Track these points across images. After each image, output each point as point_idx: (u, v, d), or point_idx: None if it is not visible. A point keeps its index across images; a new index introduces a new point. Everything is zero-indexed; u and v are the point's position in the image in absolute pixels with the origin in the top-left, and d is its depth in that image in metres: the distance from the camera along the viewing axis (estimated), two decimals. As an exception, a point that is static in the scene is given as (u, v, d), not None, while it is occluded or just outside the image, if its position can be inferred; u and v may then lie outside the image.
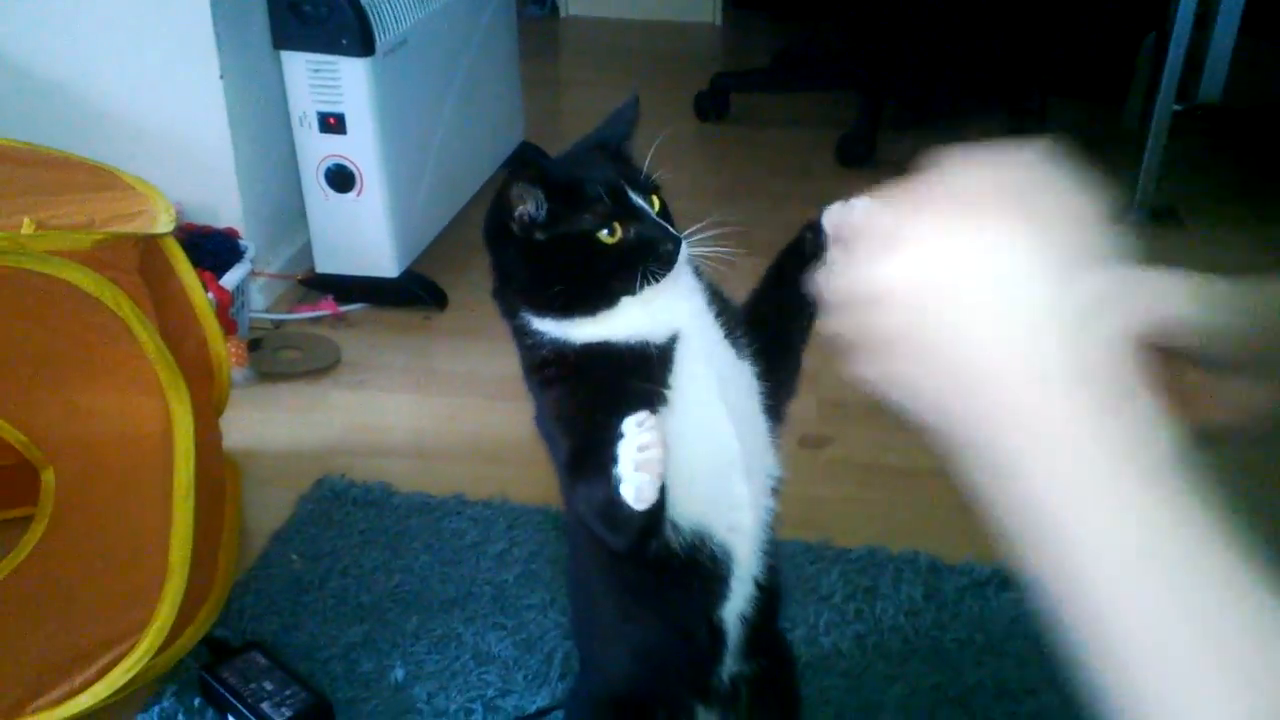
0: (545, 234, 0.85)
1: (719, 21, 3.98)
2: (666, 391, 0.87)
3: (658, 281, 0.85)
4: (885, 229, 0.55)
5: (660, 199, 0.89)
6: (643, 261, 0.85)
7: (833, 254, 0.80)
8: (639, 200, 0.86)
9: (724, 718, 1.02)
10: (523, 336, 0.90)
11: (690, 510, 0.90)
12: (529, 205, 0.84)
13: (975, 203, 0.54)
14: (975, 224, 0.53)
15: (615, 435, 0.81)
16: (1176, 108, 2.36)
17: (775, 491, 0.95)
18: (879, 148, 2.76)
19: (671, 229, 0.86)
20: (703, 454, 0.90)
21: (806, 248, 0.89)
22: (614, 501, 0.81)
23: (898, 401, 0.56)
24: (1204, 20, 2.35)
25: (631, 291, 0.85)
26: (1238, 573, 0.46)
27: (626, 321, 0.86)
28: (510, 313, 0.90)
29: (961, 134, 2.74)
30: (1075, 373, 0.50)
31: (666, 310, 0.88)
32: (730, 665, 1.00)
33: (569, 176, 0.86)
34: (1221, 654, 0.45)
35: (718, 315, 0.92)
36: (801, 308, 0.91)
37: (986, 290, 0.52)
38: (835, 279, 0.57)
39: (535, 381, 0.91)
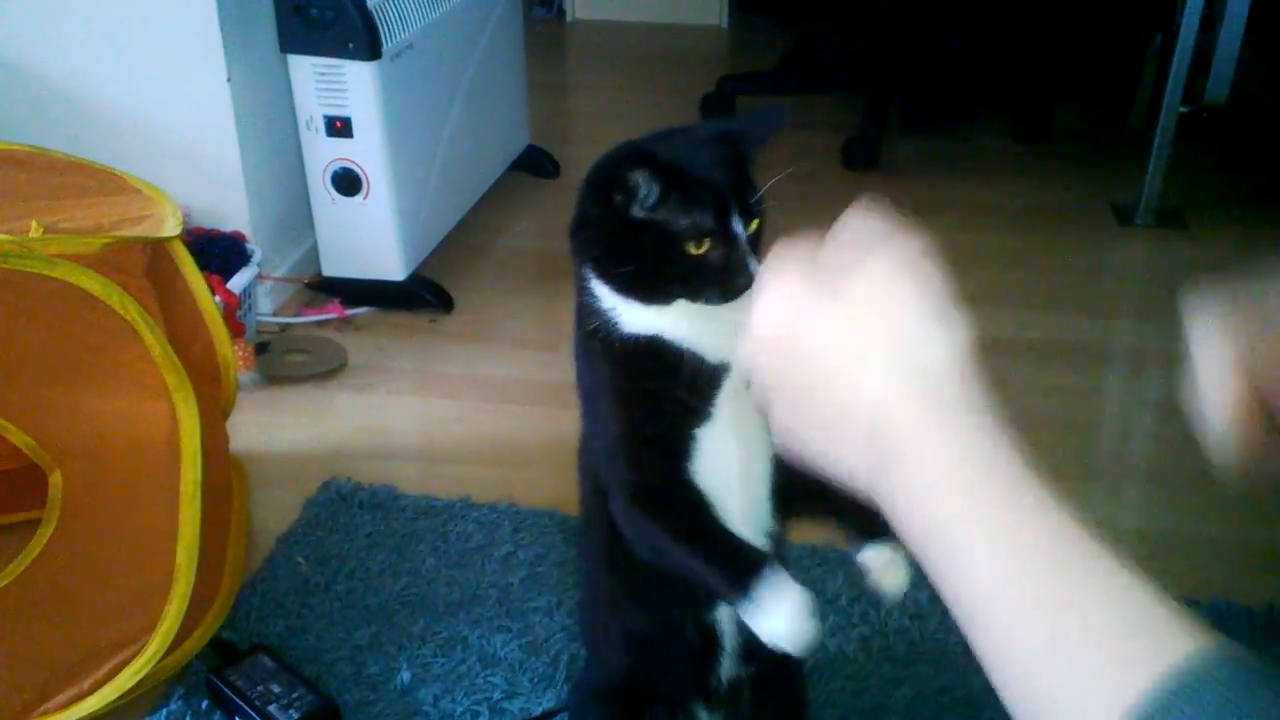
0: (641, 214, 0.85)
1: (725, 24, 3.98)
2: (709, 412, 0.88)
3: (715, 305, 0.85)
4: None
5: (761, 223, 0.88)
6: (712, 283, 0.85)
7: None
8: (738, 226, 0.85)
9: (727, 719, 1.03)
10: (581, 291, 0.90)
11: None
12: (642, 187, 0.84)
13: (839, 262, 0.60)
14: (832, 292, 0.59)
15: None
16: (1183, 110, 2.36)
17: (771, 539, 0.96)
18: (884, 151, 2.76)
19: (753, 265, 0.85)
20: (723, 468, 0.90)
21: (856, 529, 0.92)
22: (684, 563, 0.87)
23: (788, 449, 0.61)
24: (1210, 22, 2.35)
25: (692, 300, 0.85)
26: (1106, 560, 0.49)
27: (678, 325, 0.87)
28: (578, 258, 0.90)
29: (967, 138, 2.74)
30: (931, 393, 0.55)
31: (723, 333, 0.86)
32: (729, 668, 1.00)
33: (689, 173, 0.85)
34: (1102, 646, 0.47)
35: None
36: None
37: (844, 333, 0.58)
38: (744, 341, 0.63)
39: (585, 346, 0.91)
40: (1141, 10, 2.86)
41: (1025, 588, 0.50)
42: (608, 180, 0.86)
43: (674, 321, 0.87)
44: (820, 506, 0.93)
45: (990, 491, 0.52)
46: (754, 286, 0.83)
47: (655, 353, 0.87)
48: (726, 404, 0.88)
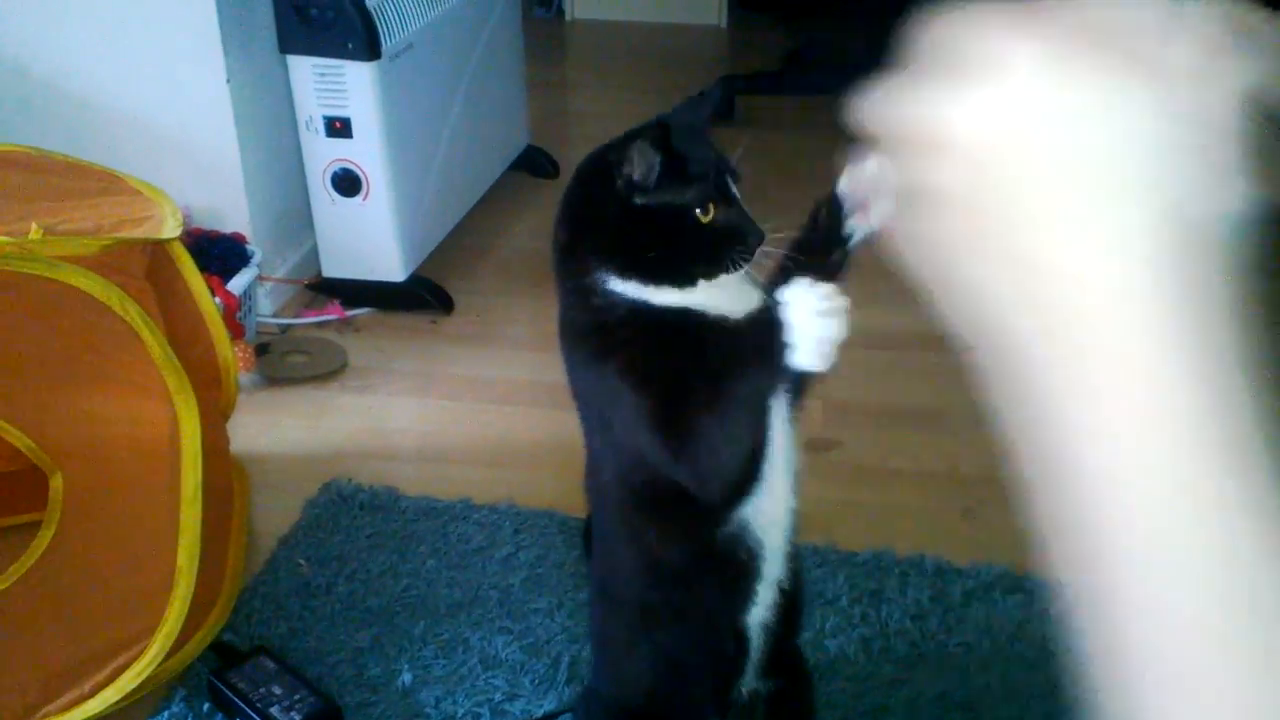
0: (645, 199, 0.85)
1: (724, 24, 3.98)
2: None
3: (737, 269, 0.86)
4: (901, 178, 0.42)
5: (739, 189, 0.90)
6: (729, 247, 0.86)
7: (852, 224, 0.84)
8: (734, 188, 0.88)
9: None
10: (589, 296, 0.88)
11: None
12: (642, 167, 0.85)
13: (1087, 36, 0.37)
14: (1084, 60, 0.37)
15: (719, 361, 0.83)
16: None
17: (794, 489, 0.96)
18: (885, 150, 2.76)
19: (755, 223, 0.87)
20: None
21: (820, 223, 0.89)
22: (753, 401, 0.83)
23: (930, 289, 0.44)
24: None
25: (711, 275, 0.86)
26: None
27: (705, 296, 0.87)
28: (579, 272, 0.88)
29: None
30: (1162, 289, 0.37)
31: (738, 294, 0.88)
32: (750, 680, 1.00)
33: (681, 147, 0.86)
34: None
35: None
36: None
37: (1078, 149, 0.37)
38: (892, 111, 0.42)
39: (599, 345, 0.89)
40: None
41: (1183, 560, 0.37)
42: (606, 171, 0.86)
43: (699, 295, 0.88)
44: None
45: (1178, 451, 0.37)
46: (761, 243, 0.85)
47: (691, 323, 0.87)
48: None
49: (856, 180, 0.81)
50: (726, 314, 0.87)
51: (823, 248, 0.89)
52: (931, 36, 0.42)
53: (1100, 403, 0.38)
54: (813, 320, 0.79)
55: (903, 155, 0.42)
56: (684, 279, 0.86)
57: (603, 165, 0.87)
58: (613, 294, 0.87)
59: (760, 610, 0.96)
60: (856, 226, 0.87)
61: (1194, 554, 0.37)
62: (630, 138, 0.85)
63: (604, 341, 0.89)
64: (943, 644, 1.33)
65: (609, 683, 1.10)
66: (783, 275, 0.89)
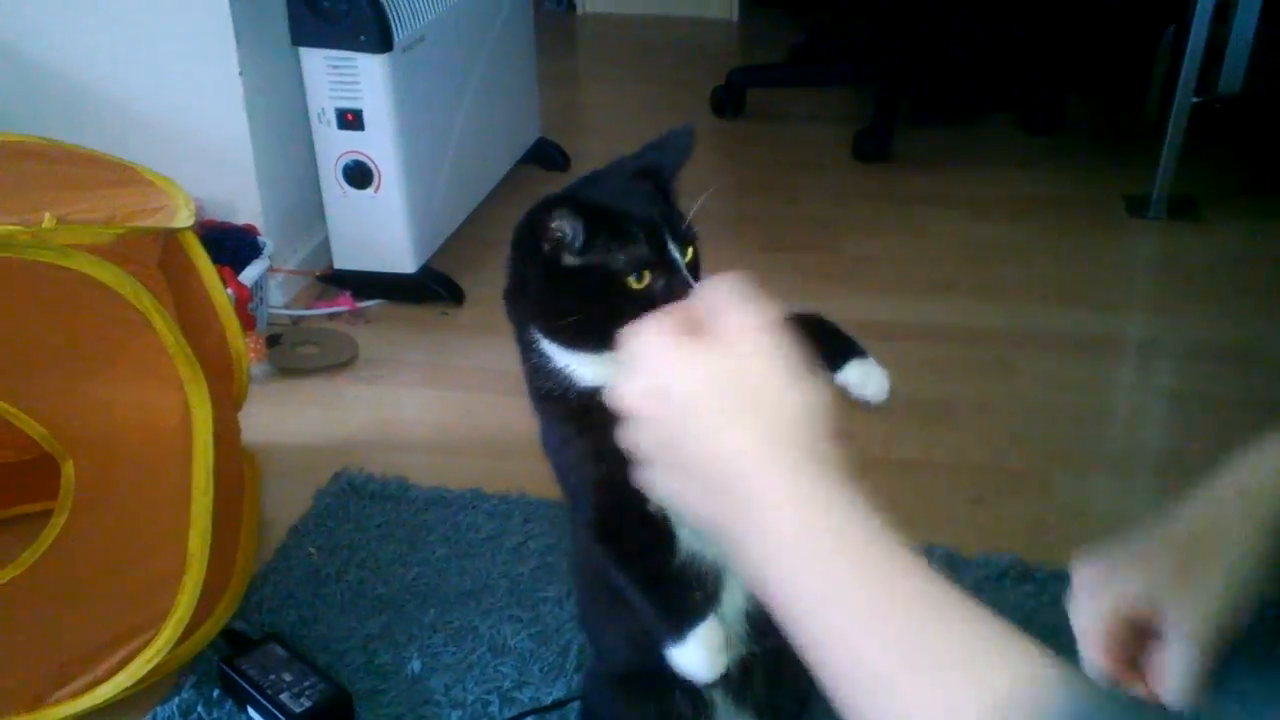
0: (575, 260, 0.83)
1: (736, 17, 3.98)
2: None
3: None
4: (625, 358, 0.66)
5: (695, 250, 0.86)
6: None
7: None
8: (675, 252, 0.83)
9: (740, 697, 1.03)
10: (529, 352, 0.89)
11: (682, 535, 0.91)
12: (568, 231, 0.82)
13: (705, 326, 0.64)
14: (703, 346, 0.63)
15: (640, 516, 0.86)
16: (1195, 100, 2.34)
17: None
18: (895, 143, 2.75)
19: (697, 290, 0.83)
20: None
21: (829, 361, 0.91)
22: (637, 601, 0.90)
23: (668, 508, 0.67)
24: (1223, 12, 2.33)
25: None
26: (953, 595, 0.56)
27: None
28: (519, 321, 0.89)
29: (977, 129, 2.73)
30: (790, 449, 0.60)
31: None
32: (739, 649, 1.00)
33: (613, 208, 0.83)
34: (953, 668, 0.54)
35: None
36: None
37: (706, 396, 0.62)
38: (611, 398, 0.66)
39: (539, 408, 0.90)
40: (1154, 0, 2.85)
41: (876, 625, 0.56)
42: (531, 232, 0.84)
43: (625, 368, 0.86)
44: None
45: (841, 542, 0.58)
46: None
47: (599, 405, 0.83)
48: None
49: (861, 385, 0.91)
50: None
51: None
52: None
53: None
54: (702, 662, 0.87)
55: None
56: (607, 344, 0.81)
57: (531, 221, 0.84)
58: (547, 358, 0.87)
59: (734, 599, 0.95)
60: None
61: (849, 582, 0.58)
62: (553, 203, 0.82)
63: (543, 408, 0.90)
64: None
65: (599, 657, 1.11)
66: None
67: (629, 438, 0.65)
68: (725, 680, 1.01)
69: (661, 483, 0.65)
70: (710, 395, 0.62)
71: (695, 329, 0.64)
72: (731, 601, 0.96)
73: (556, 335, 0.85)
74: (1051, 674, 0.52)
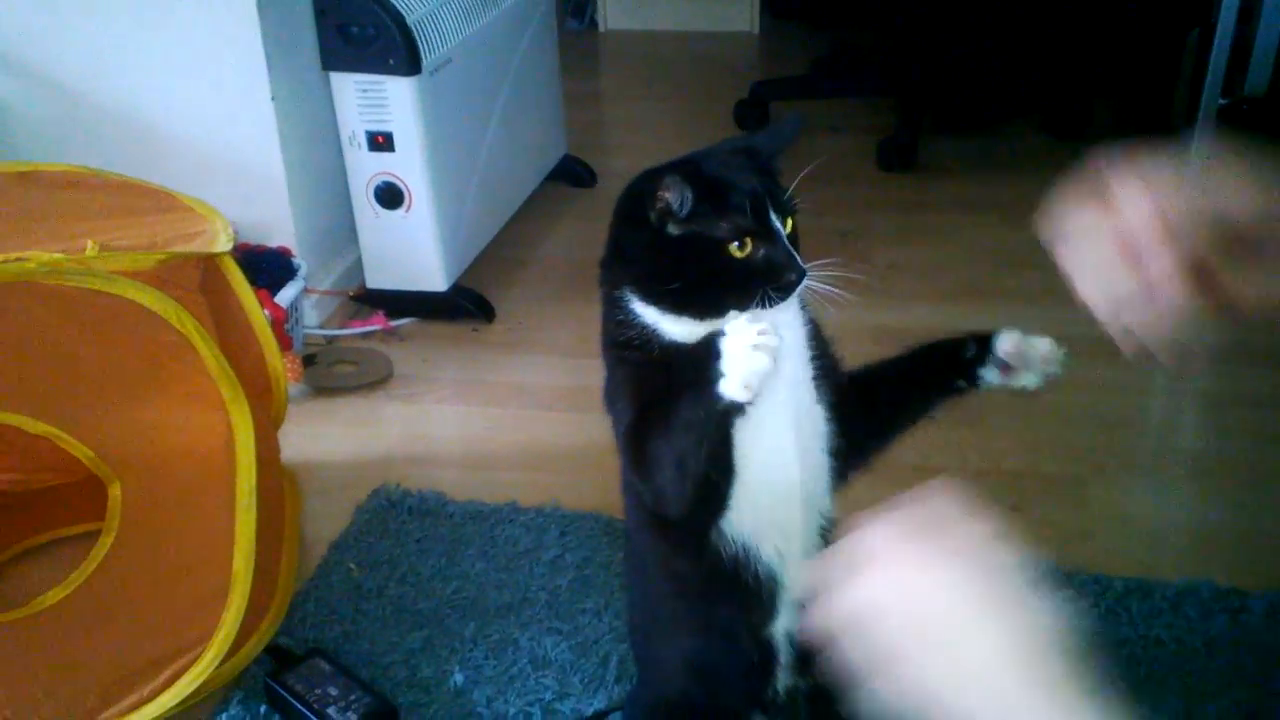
0: (679, 229, 0.85)
1: (757, 30, 4.00)
2: (746, 406, 0.87)
3: (772, 306, 0.86)
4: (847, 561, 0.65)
5: (794, 222, 0.88)
6: (764, 283, 0.85)
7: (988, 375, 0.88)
8: (776, 221, 0.86)
9: None
10: (614, 309, 0.90)
11: (741, 524, 0.91)
12: (674, 197, 0.84)
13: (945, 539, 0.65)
14: (944, 561, 0.63)
15: (687, 395, 0.83)
16: (1222, 102, 2.34)
17: (825, 532, 0.96)
18: (920, 151, 2.76)
19: (799, 259, 0.86)
20: (764, 474, 0.91)
21: (965, 353, 0.92)
22: (688, 428, 0.84)
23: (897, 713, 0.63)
24: (1248, 13, 2.33)
25: (744, 308, 0.85)
26: None
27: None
28: (612, 284, 0.90)
29: (1003, 135, 2.72)
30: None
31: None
32: (785, 679, 1.00)
33: (719, 178, 0.86)
34: None
35: (814, 355, 0.93)
36: (923, 404, 0.94)
37: (947, 624, 0.62)
38: (822, 613, 0.64)
39: (614, 356, 0.92)
40: (1180, 3, 2.84)
41: None
42: (639, 201, 0.86)
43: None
44: (912, 392, 0.96)
45: None
46: (802, 281, 0.85)
47: (696, 359, 0.86)
48: (769, 393, 0.87)
49: (1018, 348, 0.89)
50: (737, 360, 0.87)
51: (944, 370, 0.92)
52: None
53: None
54: (743, 354, 0.80)
55: None
56: (709, 312, 0.86)
57: (638, 190, 0.87)
58: (634, 314, 0.89)
59: (786, 620, 0.97)
60: (991, 379, 0.91)
61: None
62: (664, 172, 0.85)
63: (618, 355, 0.91)
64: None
65: (649, 684, 1.12)
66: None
67: (857, 647, 0.63)
68: (772, 712, 1.02)
69: (895, 683, 0.63)
70: (946, 612, 0.62)
71: (922, 532, 0.65)
72: (783, 623, 0.97)
73: (657, 298, 0.87)
74: None
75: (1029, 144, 2.91)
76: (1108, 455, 1.70)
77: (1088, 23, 2.99)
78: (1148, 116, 2.99)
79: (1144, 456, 1.74)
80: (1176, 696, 1.24)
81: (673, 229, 0.85)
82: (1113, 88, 3.07)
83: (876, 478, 1.63)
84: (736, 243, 0.84)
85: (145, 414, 1.32)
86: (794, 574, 0.95)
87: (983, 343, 0.90)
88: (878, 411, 0.95)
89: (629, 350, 0.90)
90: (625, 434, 0.90)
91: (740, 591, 0.94)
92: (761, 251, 0.85)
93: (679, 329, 0.88)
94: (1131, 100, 3.08)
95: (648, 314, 0.88)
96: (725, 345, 0.81)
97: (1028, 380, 0.89)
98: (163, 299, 1.23)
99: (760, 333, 0.80)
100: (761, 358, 0.80)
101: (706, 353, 0.82)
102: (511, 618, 1.40)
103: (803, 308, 0.93)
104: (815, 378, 0.93)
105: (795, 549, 0.94)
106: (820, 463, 0.94)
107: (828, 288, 0.89)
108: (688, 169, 0.85)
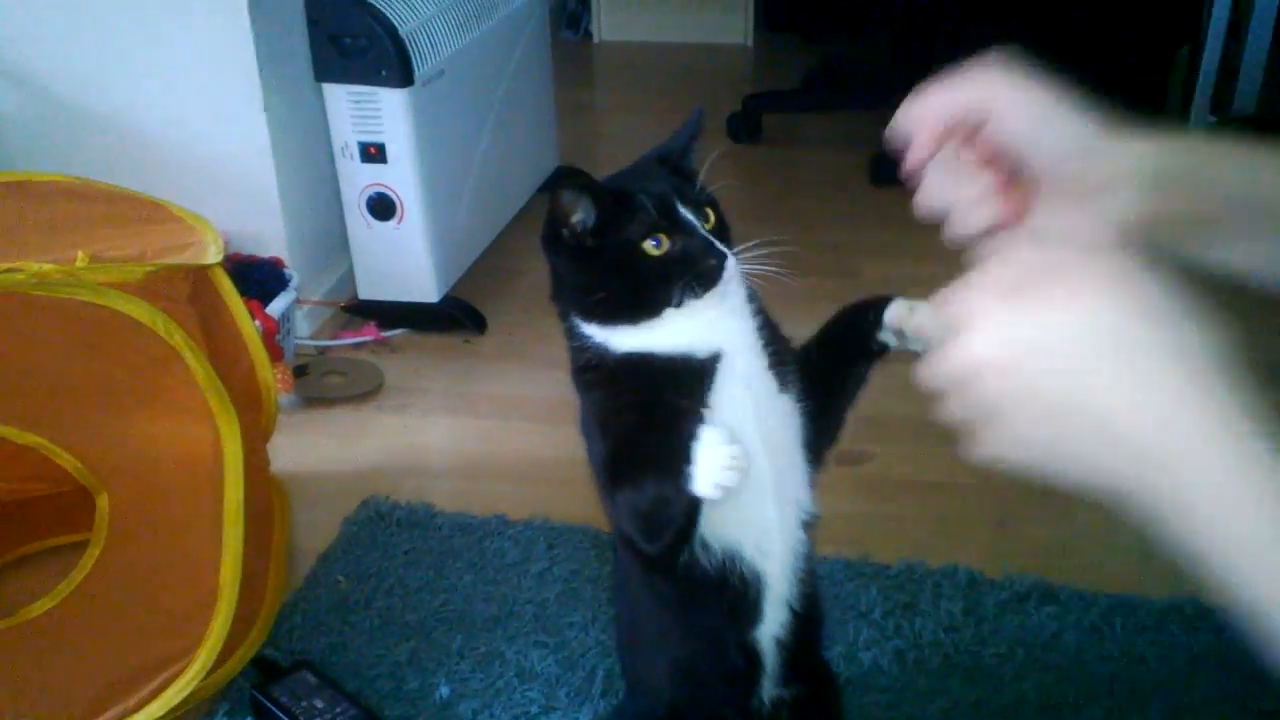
0: (594, 241, 0.87)
1: (750, 43, 4.01)
2: (704, 409, 0.88)
3: (699, 297, 0.87)
4: (949, 323, 0.60)
5: (716, 213, 0.90)
6: (685, 275, 0.86)
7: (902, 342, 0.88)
8: (687, 214, 0.87)
9: None
10: (571, 338, 0.93)
11: (720, 529, 0.92)
12: (579, 212, 0.87)
13: (1033, 280, 0.58)
14: (1042, 296, 0.57)
15: (658, 440, 0.85)
16: (1212, 120, 2.35)
17: (808, 525, 0.97)
18: (912, 165, 2.76)
19: (719, 245, 0.87)
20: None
21: (867, 319, 0.92)
22: (658, 500, 0.85)
23: (1040, 468, 0.59)
24: (1237, 31, 2.35)
25: (672, 304, 0.86)
26: None
27: (669, 334, 0.88)
28: (563, 315, 0.93)
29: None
30: (1183, 399, 0.54)
31: (711, 327, 0.89)
32: (770, 689, 1.01)
33: (618, 186, 0.88)
34: None
35: (767, 343, 0.93)
36: (855, 365, 0.95)
37: (1077, 347, 0.55)
38: (929, 369, 0.60)
39: (579, 383, 0.93)
40: (1168, 21, 2.86)
41: None
42: (552, 225, 0.89)
43: (667, 333, 0.88)
44: (838, 361, 0.96)
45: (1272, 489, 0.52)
46: (726, 268, 0.86)
47: (647, 367, 0.88)
48: (726, 390, 0.89)
49: (902, 318, 0.89)
50: (689, 352, 0.88)
51: (858, 336, 0.92)
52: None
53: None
54: (715, 470, 0.82)
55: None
56: (641, 313, 0.87)
57: (551, 216, 0.89)
58: (586, 337, 0.91)
59: (770, 627, 0.97)
60: (890, 343, 0.91)
61: None
62: (559, 183, 0.88)
63: (583, 381, 0.93)
64: (976, 655, 1.33)
65: (634, 694, 1.12)
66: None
67: (967, 398, 0.59)
68: None
69: (1023, 438, 0.59)
70: (1091, 342, 0.55)
71: (1020, 288, 0.58)
72: (769, 628, 0.97)
73: (592, 314, 0.89)
74: None
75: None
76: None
77: (1077, 39, 3.01)
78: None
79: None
80: (1160, 714, 1.24)
81: (589, 242, 0.88)
82: (1103, 105, 3.08)
83: (867, 490, 1.65)
84: (651, 241, 0.86)
85: (133, 425, 1.32)
86: (778, 572, 0.95)
87: (879, 309, 0.91)
88: (819, 385, 0.96)
89: (589, 373, 0.91)
90: (599, 470, 0.93)
91: (726, 596, 0.94)
92: (678, 245, 0.86)
93: (626, 340, 0.89)
94: (1121, 118, 3.09)
95: (595, 333, 0.90)
96: (699, 453, 0.83)
97: (914, 345, 0.90)
98: (151, 311, 1.23)
99: (732, 456, 0.82)
100: (731, 475, 0.82)
101: (680, 440, 0.84)
102: (498, 630, 1.40)
103: (750, 299, 0.93)
104: (772, 364, 0.93)
105: (776, 546, 0.95)
106: (791, 453, 0.95)
107: (762, 266, 0.89)
108: (582, 181, 0.88)
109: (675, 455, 0.83)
